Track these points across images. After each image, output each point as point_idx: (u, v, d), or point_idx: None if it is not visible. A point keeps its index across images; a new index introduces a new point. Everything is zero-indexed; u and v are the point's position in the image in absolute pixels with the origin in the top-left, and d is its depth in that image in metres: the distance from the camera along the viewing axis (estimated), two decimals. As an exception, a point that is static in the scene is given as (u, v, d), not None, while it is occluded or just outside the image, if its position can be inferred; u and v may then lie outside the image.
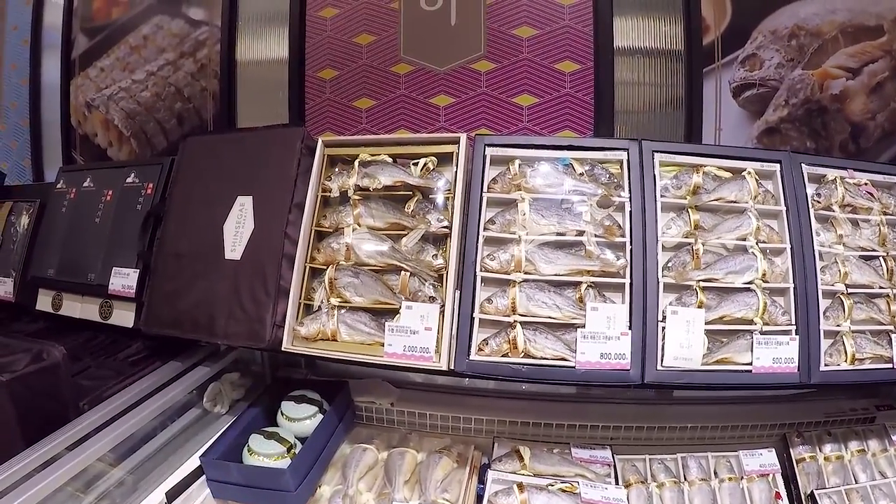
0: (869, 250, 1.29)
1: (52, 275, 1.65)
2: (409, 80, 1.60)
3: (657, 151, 1.25)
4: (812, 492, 1.29)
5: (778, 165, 1.28)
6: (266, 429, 1.31)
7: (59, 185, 1.77)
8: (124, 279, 1.47)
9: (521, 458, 1.32)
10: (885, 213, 1.31)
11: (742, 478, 1.35)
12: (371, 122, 1.63)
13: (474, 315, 1.15)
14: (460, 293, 1.15)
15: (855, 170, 1.34)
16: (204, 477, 1.29)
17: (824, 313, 1.21)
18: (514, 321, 1.14)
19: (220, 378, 1.46)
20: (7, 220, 1.92)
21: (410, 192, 1.25)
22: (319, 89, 1.66)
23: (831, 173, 1.31)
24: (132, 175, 1.58)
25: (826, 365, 1.18)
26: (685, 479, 1.37)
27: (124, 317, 1.49)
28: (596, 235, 1.18)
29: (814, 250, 1.23)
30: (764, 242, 1.23)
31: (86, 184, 1.69)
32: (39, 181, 2.24)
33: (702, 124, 1.63)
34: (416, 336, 1.14)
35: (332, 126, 1.65)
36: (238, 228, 1.30)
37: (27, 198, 1.91)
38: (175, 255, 1.37)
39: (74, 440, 1.18)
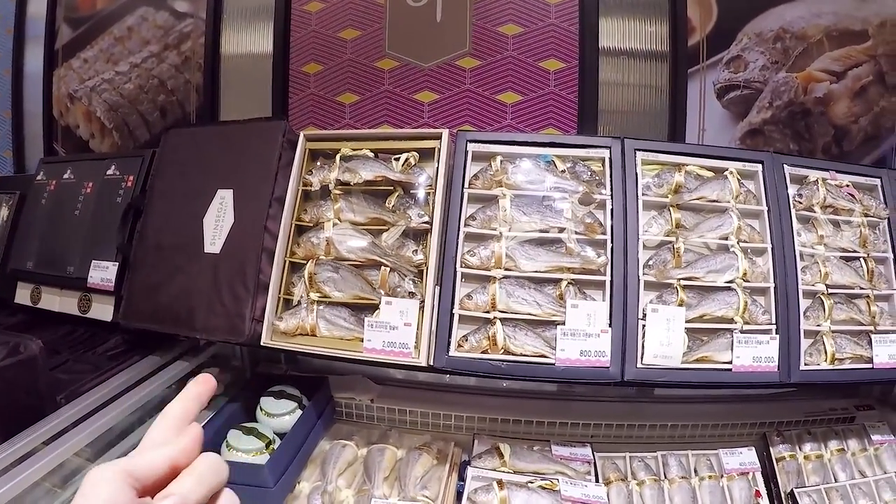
0: (850, 251, 1.30)
1: (31, 267, 1.63)
2: (394, 76, 1.60)
3: (639, 150, 1.26)
4: (792, 490, 1.29)
5: (760, 166, 1.29)
6: (245, 424, 1.30)
7: (39, 177, 1.75)
8: (103, 272, 1.46)
9: (500, 455, 1.31)
10: (865, 215, 1.33)
11: (722, 476, 1.35)
12: (355, 117, 1.62)
13: (454, 311, 1.14)
14: (440, 289, 1.15)
15: (837, 171, 1.35)
16: (181, 472, 1.28)
17: (804, 313, 1.22)
18: (494, 318, 1.14)
19: (200, 373, 1.45)
20: (-14, 213, 1.90)
21: (391, 188, 1.24)
22: (303, 83, 1.65)
23: (813, 174, 1.32)
24: (113, 167, 1.56)
25: (806, 364, 1.19)
26: (665, 476, 1.36)
27: (103, 310, 1.48)
28: (577, 233, 1.18)
29: (795, 250, 1.23)
30: (745, 242, 1.24)
31: (66, 175, 1.67)
32: (21, 173, 2.21)
33: (685, 125, 1.63)
34: (396, 332, 1.14)
35: (316, 121, 1.63)
36: (218, 222, 1.29)
37: (7, 189, 1.88)
38: (155, 248, 1.36)
39: (52, 434, 1.17)
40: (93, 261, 1.48)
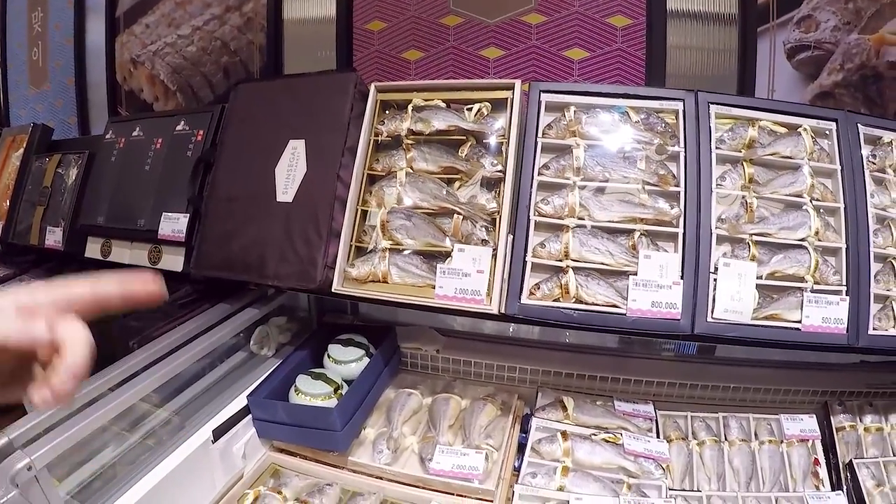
0: None
1: (102, 222, 1.69)
2: (459, 32, 1.60)
3: (713, 103, 1.24)
4: (851, 461, 1.28)
5: (834, 124, 1.26)
6: (313, 370, 1.34)
7: (108, 136, 1.80)
8: (174, 224, 1.50)
9: (564, 409, 1.33)
10: None
11: (782, 441, 1.36)
12: (420, 74, 1.63)
13: (527, 259, 1.15)
14: (513, 237, 1.16)
15: None
16: (250, 416, 1.33)
17: (875, 276, 1.19)
18: (567, 266, 1.14)
19: (268, 322, 1.49)
20: (55, 173, 1.97)
21: (464, 137, 1.25)
22: (368, 41, 1.66)
23: (888, 136, 1.28)
24: (182, 123, 1.60)
25: (875, 329, 1.15)
26: (725, 438, 1.37)
27: (174, 261, 1.53)
28: (650, 184, 1.18)
29: (867, 212, 1.20)
30: (818, 200, 1.21)
31: (135, 133, 1.72)
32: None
33: (754, 85, 1.60)
34: (468, 279, 1.15)
35: (381, 78, 1.65)
36: (290, 171, 1.32)
37: (75, 150, 1.95)
38: (226, 199, 1.40)
39: (124, 377, 1.21)
40: (163, 213, 1.53)
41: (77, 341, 0.42)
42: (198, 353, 1.35)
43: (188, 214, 1.49)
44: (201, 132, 1.54)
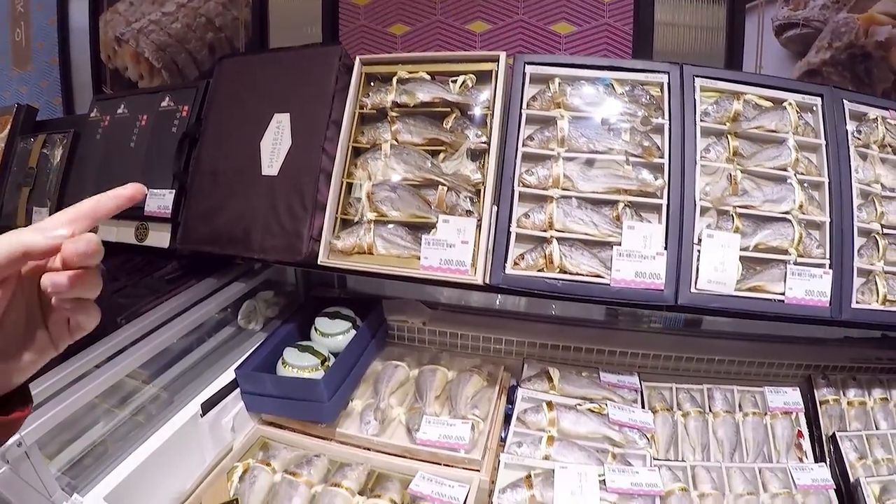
0: None
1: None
2: (445, 6, 1.59)
3: (698, 76, 1.24)
4: (834, 433, 1.31)
5: (819, 99, 1.27)
6: (300, 343, 1.35)
7: (92, 114, 1.79)
8: (160, 200, 1.50)
9: (550, 379, 1.35)
10: None
11: (766, 414, 1.38)
12: (406, 48, 1.63)
13: (511, 229, 1.16)
14: (497, 208, 1.17)
15: None
16: (238, 390, 1.34)
17: (858, 251, 1.20)
18: (551, 236, 1.15)
19: (255, 296, 1.50)
20: (41, 153, 1.96)
21: (448, 109, 1.25)
22: (353, 15, 1.66)
23: (873, 112, 1.29)
24: (167, 99, 1.60)
25: (858, 303, 1.17)
26: (710, 409, 1.39)
27: (160, 238, 1.53)
28: (634, 155, 1.19)
29: (852, 187, 1.21)
30: (802, 174, 1.22)
31: (119, 111, 1.71)
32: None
33: (742, 62, 1.61)
34: (453, 249, 1.16)
35: (367, 52, 1.63)
36: (275, 145, 1.32)
37: (60, 129, 1.94)
38: (211, 173, 1.40)
39: (111, 353, 1.22)
40: (149, 189, 1.53)
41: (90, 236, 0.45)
42: (184, 327, 1.36)
43: (174, 190, 1.49)
44: (186, 108, 1.54)
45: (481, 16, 1.57)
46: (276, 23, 1.77)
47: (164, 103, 1.60)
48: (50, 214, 1.72)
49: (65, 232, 0.45)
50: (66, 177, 1.81)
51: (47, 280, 0.44)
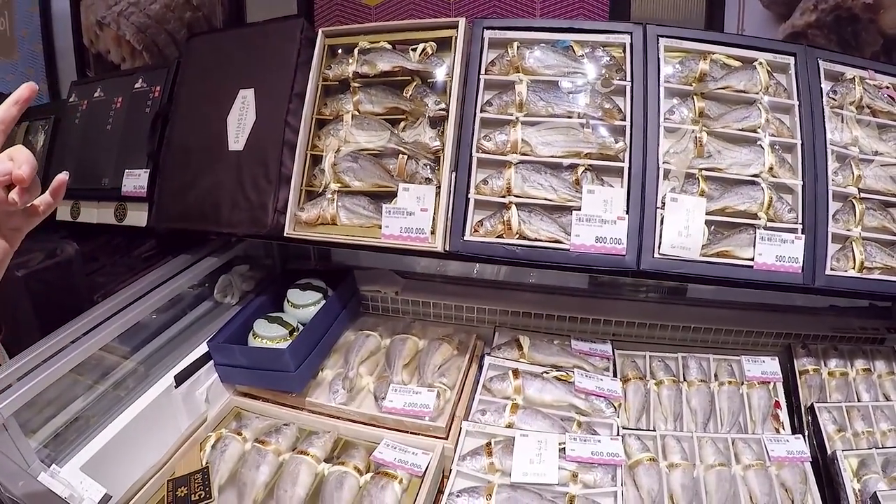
0: (886, 156, 1.24)
1: (70, 184, 1.73)
2: (418, -25, 1.62)
3: (662, 36, 1.24)
4: (812, 404, 1.30)
5: (792, 59, 1.25)
6: (270, 314, 1.39)
7: (71, 99, 1.85)
8: (136, 180, 1.56)
9: (520, 347, 1.38)
10: None
11: (742, 383, 1.39)
12: (381, 18, 1.65)
13: (469, 196, 1.19)
14: (456, 174, 1.19)
15: (877, 71, 1.28)
16: (212, 363, 1.39)
17: (834, 216, 1.19)
18: (510, 202, 1.18)
19: (230, 270, 1.55)
20: (25, 140, 2.03)
21: (409, 78, 1.28)
22: (328, -12, 1.69)
23: (851, 72, 1.26)
24: (140, 80, 1.65)
25: (832, 269, 1.16)
26: (684, 378, 1.40)
27: (138, 217, 1.58)
28: (595, 118, 1.20)
29: (826, 149, 1.20)
30: (774, 136, 1.21)
31: (96, 94, 1.77)
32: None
33: (723, 25, 1.60)
34: (413, 217, 1.19)
35: (342, 24, 1.68)
36: (241, 120, 1.36)
37: (42, 115, 2.00)
38: (182, 151, 1.44)
39: (88, 328, 1.26)
40: (126, 170, 1.58)
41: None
42: (158, 301, 1.40)
43: (148, 170, 1.54)
44: (158, 88, 1.59)
45: (455, -18, 1.59)
46: (252, -1, 1.81)
47: (137, 85, 1.64)
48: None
49: (9, 165, 0.62)
50: (49, 161, 1.87)
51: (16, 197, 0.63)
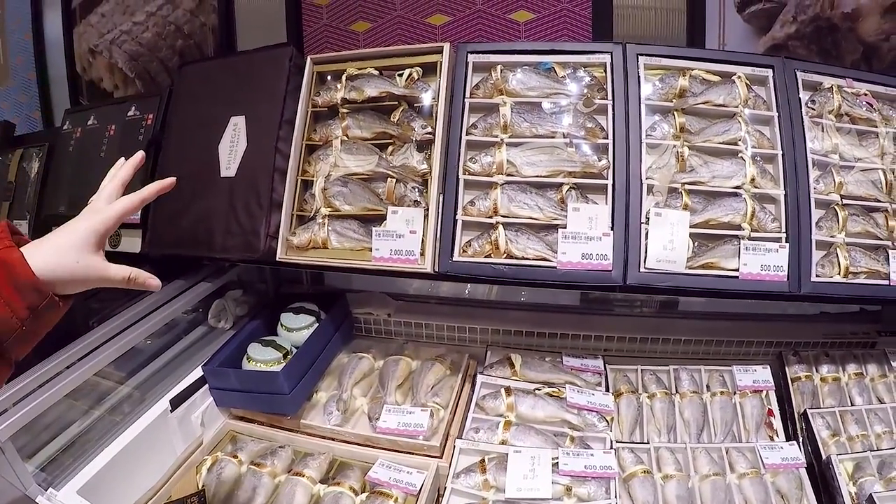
0: (867, 161, 1.28)
1: (63, 211, 1.81)
2: (405, 1, 1.69)
3: (642, 55, 1.30)
4: (805, 410, 1.33)
5: (770, 71, 1.30)
6: (264, 338, 1.44)
7: (65, 127, 1.92)
8: (129, 207, 1.61)
9: (512, 366, 1.42)
10: (886, 125, 1.31)
11: (735, 393, 1.42)
12: (368, 44, 1.73)
13: (457, 217, 1.24)
14: (444, 197, 1.25)
15: (855, 80, 1.34)
16: (207, 386, 1.43)
17: (817, 223, 1.23)
18: (497, 222, 1.23)
19: (224, 295, 1.60)
20: (19, 167, 2.09)
21: (396, 103, 1.34)
22: (317, 15, 1.76)
23: (828, 81, 1.31)
24: (133, 108, 1.71)
25: (818, 276, 1.20)
26: (676, 391, 1.44)
27: (132, 243, 1.63)
28: (578, 137, 1.25)
29: (806, 158, 1.24)
30: (755, 148, 1.26)
31: (90, 122, 1.83)
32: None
33: (704, 40, 1.66)
34: (402, 239, 1.24)
35: (331, 50, 1.75)
36: (232, 147, 1.42)
37: (36, 143, 2.07)
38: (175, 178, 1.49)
39: (84, 353, 1.30)
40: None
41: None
42: (152, 326, 1.44)
43: (142, 196, 1.59)
44: (151, 116, 1.65)
45: (441, 9, 1.66)
46: (243, 26, 1.88)
47: (130, 112, 1.71)
48: (29, 227, 1.84)
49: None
50: (43, 189, 1.93)
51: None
